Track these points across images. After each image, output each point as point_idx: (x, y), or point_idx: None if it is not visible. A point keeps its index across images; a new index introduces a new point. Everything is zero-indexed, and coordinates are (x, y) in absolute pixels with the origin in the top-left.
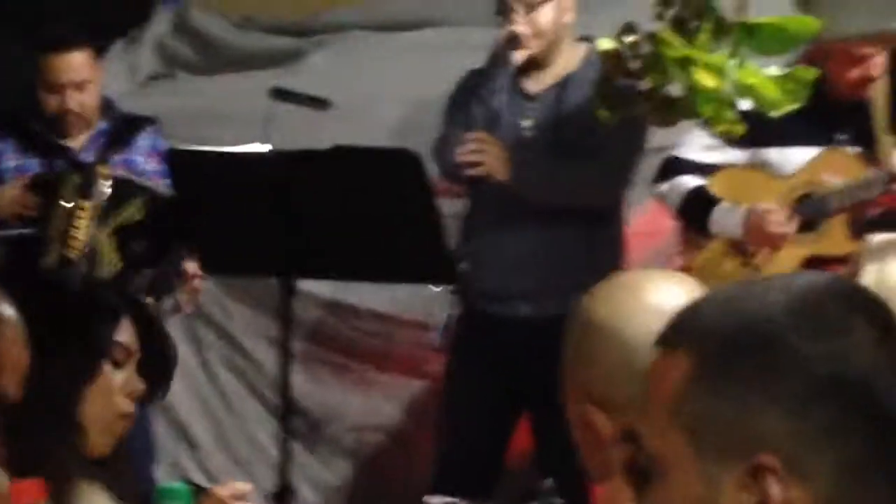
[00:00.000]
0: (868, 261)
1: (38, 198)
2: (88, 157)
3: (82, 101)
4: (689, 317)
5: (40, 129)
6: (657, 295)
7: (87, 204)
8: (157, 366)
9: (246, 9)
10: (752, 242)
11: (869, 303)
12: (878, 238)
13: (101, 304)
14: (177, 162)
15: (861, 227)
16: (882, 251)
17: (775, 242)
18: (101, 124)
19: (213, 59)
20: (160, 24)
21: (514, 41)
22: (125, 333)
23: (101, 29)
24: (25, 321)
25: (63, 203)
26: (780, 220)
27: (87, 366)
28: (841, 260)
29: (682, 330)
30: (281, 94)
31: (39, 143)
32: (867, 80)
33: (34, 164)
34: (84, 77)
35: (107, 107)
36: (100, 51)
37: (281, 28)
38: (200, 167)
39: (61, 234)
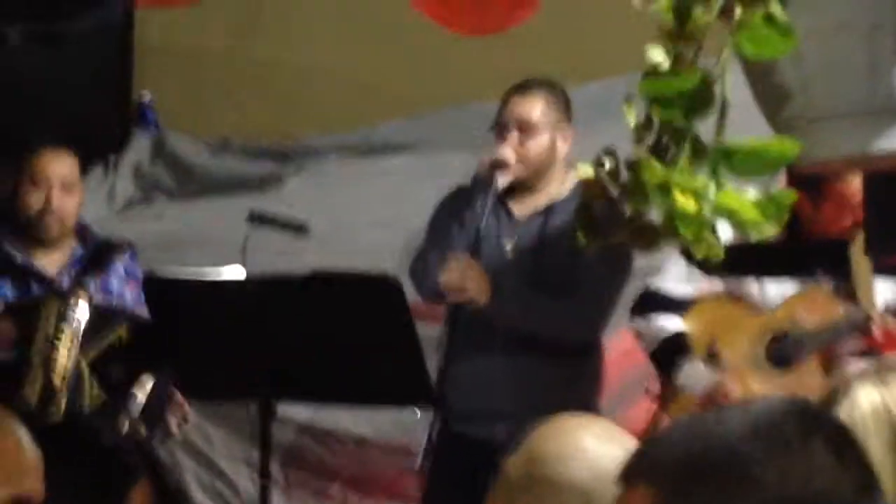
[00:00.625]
0: (843, 394)
1: (16, 325)
2: (63, 281)
3: (65, 204)
4: (649, 451)
5: (15, 252)
6: (593, 442)
7: (68, 330)
8: None
9: (223, 133)
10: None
11: (827, 424)
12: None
13: (121, 464)
14: (154, 288)
15: (831, 362)
16: (881, 370)
17: None
18: (78, 249)
19: (191, 183)
20: (138, 150)
21: (499, 164)
22: (138, 498)
23: (80, 155)
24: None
25: (44, 330)
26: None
27: None
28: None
29: (642, 464)
30: (258, 219)
31: (14, 267)
32: (856, 226)
33: (9, 289)
34: (71, 179)
35: (83, 231)
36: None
37: (259, 152)
38: (178, 293)
39: (43, 362)
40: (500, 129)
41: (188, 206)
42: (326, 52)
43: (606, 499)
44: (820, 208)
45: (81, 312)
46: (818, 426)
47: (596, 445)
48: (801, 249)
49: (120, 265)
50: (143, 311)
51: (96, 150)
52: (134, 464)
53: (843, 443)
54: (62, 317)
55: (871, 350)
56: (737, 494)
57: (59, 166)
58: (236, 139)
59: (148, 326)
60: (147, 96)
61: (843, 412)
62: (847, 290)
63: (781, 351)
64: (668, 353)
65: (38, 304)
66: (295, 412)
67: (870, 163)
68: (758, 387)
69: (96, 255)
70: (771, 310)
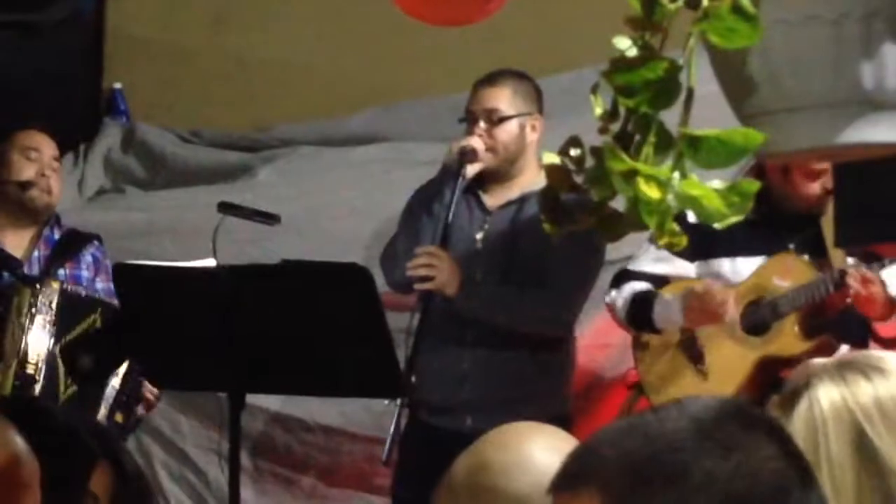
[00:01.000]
0: (829, 377)
1: None
2: (32, 266)
3: (53, 182)
4: (589, 455)
5: None
6: (541, 453)
7: (40, 318)
8: None
9: (194, 123)
10: (694, 323)
11: (760, 418)
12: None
13: (79, 448)
14: (124, 277)
15: (813, 327)
16: (842, 368)
17: (716, 317)
18: (50, 235)
19: (162, 173)
20: (109, 139)
21: (467, 153)
22: (98, 483)
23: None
24: None
25: (16, 318)
26: (712, 290)
27: None
28: (794, 361)
29: (585, 469)
30: (229, 209)
31: None
32: (827, 194)
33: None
34: (57, 159)
35: (55, 219)
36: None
37: (229, 143)
38: (148, 282)
39: (17, 351)
40: (468, 119)
41: (159, 195)
42: (299, 43)
43: None
44: (789, 177)
45: (53, 300)
46: (757, 422)
47: (544, 457)
48: (773, 225)
49: (88, 255)
50: (113, 301)
51: (67, 139)
52: (92, 446)
53: (783, 437)
54: (34, 305)
55: (848, 306)
56: (689, 495)
57: (50, 147)
58: (208, 129)
59: (118, 315)
60: (118, 85)
61: (802, 410)
62: (820, 264)
63: (757, 317)
64: (640, 306)
65: (9, 291)
66: (265, 401)
67: (836, 155)
68: (736, 354)
69: (66, 243)
70: (744, 280)
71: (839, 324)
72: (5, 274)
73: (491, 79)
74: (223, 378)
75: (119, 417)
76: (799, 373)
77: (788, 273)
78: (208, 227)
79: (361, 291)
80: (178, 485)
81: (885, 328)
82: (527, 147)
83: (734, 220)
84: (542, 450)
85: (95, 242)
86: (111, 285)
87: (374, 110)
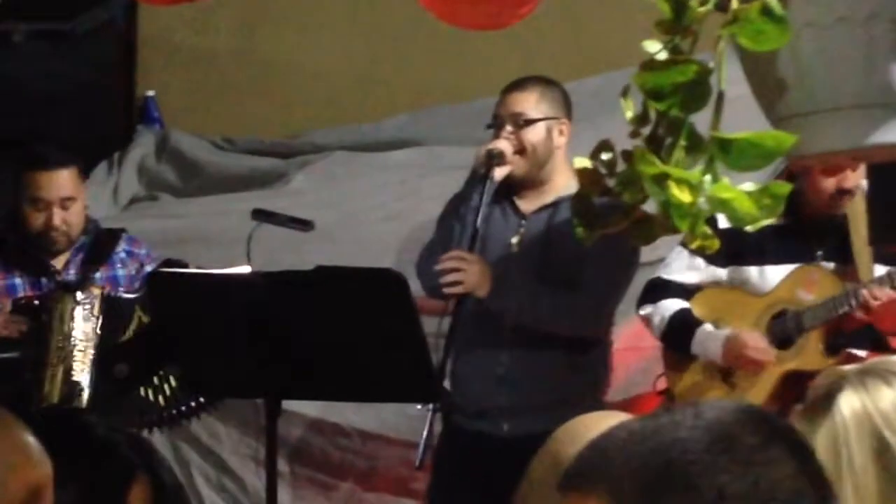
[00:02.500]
0: (850, 384)
1: (27, 321)
2: (70, 274)
3: (67, 218)
4: (599, 456)
5: (26, 247)
6: None
7: (84, 325)
8: None
9: (228, 130)
10: (732, 366)
11: (782, 430)
12: (836, 370)
13: (118, 461)
14: (159, 284)
15: (837, 343)
16: (862, 374)
17: (755, 368)
18: (82, 240)
19: (195, 181)
20: (142, 147)
21: (495, 157)
22: (136, 496)
23: (84, 152)
24: None
25: (59, 326)
26: (758, 347)
27: None
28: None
29: (594, 471)
30: (263, 216)
31: (24, 262)
32: (842, 193)
33: (19, 283)
34: (70, 194)
35: (87, 224)
36: (84, 171)
37: (263, 149)
38: (183, 289)
39: (63, 360)
40: (496, 124)
41: (193, 203)
42: (331, 49)
43: None
44: (807, 174)
45: (95, 305)
46: (776, 434)
47: None
48: (802, 232)
49: (121, 252)
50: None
51: (101, 148)
52: (131, 460)
53: (804, 452)
54: (76, 311)
55: (870, 324)
56: None
57: (56, 187)
58: (241, 136)
59: (154, 323)
60: (151, 93)
61: (825, 419)
62: (848, 272)
63: (782, 330)
64: (678, 329)
65: (51, 299)
66: (302, 407)
67: (867, 156)
68: (762, 368)
69: (96, 245)
70: (770, 291)
71: (860, 336)
72: (44, 280)
73: (518, 84)
74: (259, 384)
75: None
76: (820, 381)
77: (813, 286)
78: (242, 234)
79: (396, 296)
80: (215, 491)
81: None
82: (555, 151)
83: (766, 222)
84: None
85: (123, 236)
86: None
87: (407, 115)
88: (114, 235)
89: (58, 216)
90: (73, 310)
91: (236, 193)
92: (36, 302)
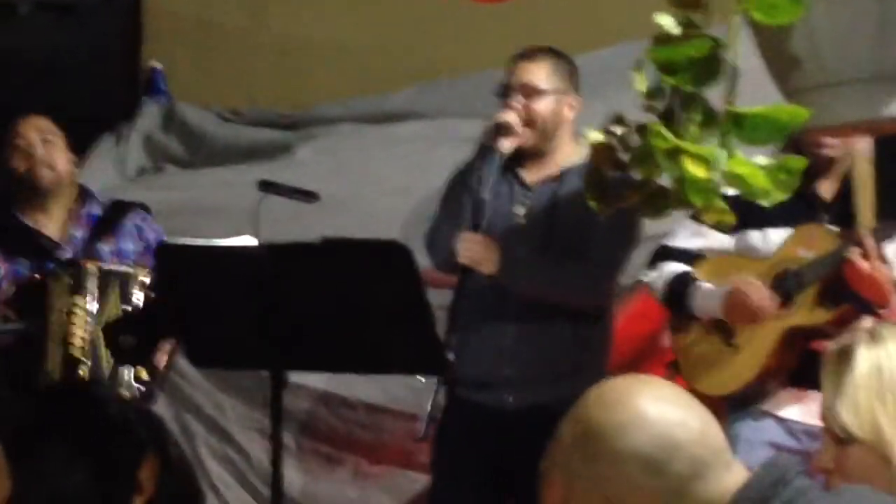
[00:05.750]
0: (864, 343)
1: (27, 298)
2: (71, 247)
3: (49, 153)
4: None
5: (26, 229)
6: (652, 406)
7: (80, 301)
8: None
9: (233, 102)
10: (733, 320)
11: None
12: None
13: (130, 439)
14: (165, 256)
15: (833, 297)
16: (878, 334)
17: (756, 317)
18: (87, 213)
19: (201, 152)
20: (148, 119)
21: (503, 128)
22: (146, 473)
23: (91, 124)
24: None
25: (57, 304)
26: (760, 294)
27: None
28: (820, 332)
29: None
30: (269, 187)
31: (26, 245)
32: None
33: (24, 267)
34: (49, 131)
35: (87, 196)
36: (88, 141)
37: (269, 121)
38: (189, 261)
39: (61, 337)
40: (504, 93)
41: (199, 174)
42: (338, 21)
43: (670, 463)
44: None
45: (92, 282)
46: None
47: (656, 409)
48: (806, 197)
49: (131, 224)
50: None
51: (107, 120)
52: (143, 438)
53: None
54: (74, 288)
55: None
56: None
57: (34, 125)
58: (247, 108)
59: (158, 295)
60: (158, 65)
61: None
62: (848, 235)
63: (783, 289)
64: (679, 289)
65: (50, 278)
66: (307, 380)
67: (879, 128)
68: (763, 327)
69: (107, 218)
70: (773, 253)
71: (858, 294)
72: (48, 262)
73: (529, 54)
74: (264, 356)
75: (143, 373)
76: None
77: (812, 243)
78: (248, 206)
79: (402, 269)
80: (221, 464)
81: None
82: (563, 124)
83: (781, 197)
84: (651, 401)
85: (140, 211)
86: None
87: (414, 88)
88: (127, 208)
89: (39, 147)
90: (70, 287)
91: (242, 165)
92: (36, 281)
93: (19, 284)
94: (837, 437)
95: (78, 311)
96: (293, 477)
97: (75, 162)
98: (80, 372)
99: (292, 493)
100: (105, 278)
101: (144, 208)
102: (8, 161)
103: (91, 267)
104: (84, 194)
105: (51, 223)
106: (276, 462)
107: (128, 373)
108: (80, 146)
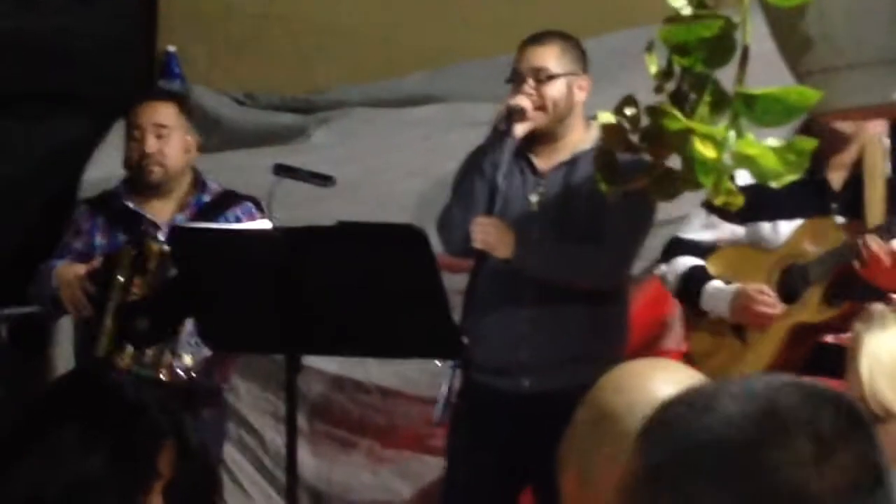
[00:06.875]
0: (865, 330)
1: (97, 284)
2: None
3: (162, 147)
4: (653, 415)
5: (131, 205)
6: (666, 389)
7: (139, 279)
8: (188, 497)
9: (249, 86)
10: (740, 322)
11: (819, 415)
12: (877, 307)
13: (148, 426)
14: (181, 239)
15: (838, 294)
16: (881, 320)
17: (762, 322)
18: (197, 200)
19: (216, 136)
20: None
21: (516, 113)
22: (164, 460)
23: (105, 108)
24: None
25: (119, 279)
26: (766, 301)
27: (131, 494)
28: (827, 327)
29: (642, 428)
30: (284, 171)
31: (128, 220)
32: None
33: (122, 242)
34: (164, 122)
35: (202, 183)
36: (185, 105)
37: (284, 105)
38: (204, 244)
39: (116, 314)
40: (516, 79)
41: (214, 158)
42: (353, 5)
43: None
44: None
45: (152, 260)
46: (805, 418)
47: (668, 391)
48: (816, 185)
49: (232, 216)
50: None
51: (121, 104)
52: (161, 424)
53: (830, 438)
54: (138, 267)
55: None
56: (704, 483)
57: (150, 114)
58: (262, 92)
59: (174, 279)
60: (173, 49)
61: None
62: (857, 227)
63: (788, 284)
64: (690, 285)
65: (119, 253)
66: (321, 363)
67: (892, 112)
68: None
69: (212, 205)
70: (781, 246)
71: (865, 289)
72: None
73: (538, 38)
74: (280, 340)
75: (186, 359)
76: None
77: (820, 238)
78: (263, 190)
79: (417, 252)
80: (235, 447)
81: None
82: (574, 107)
83: (790, 178)
84: (664, 384)
85: (248, 204)
86: None
87: (429, 71)
88: (235, 199)
89: (151, 142)
90: (133, 264)
91: (257, 149)
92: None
93: (106, 257)
94: (875, 416)
95: (135, 288)
96: (307, 460)
97: (195, 147)
98: (125, 351)
99: (306, 477)
100: (165, 260)
101: (256, 203)
102: (125, 147)
103: (153, 246)
104: (199, 182)
105: (160, 209)
106: (291, 446)
107: (170, 356)
108: (94, 131)
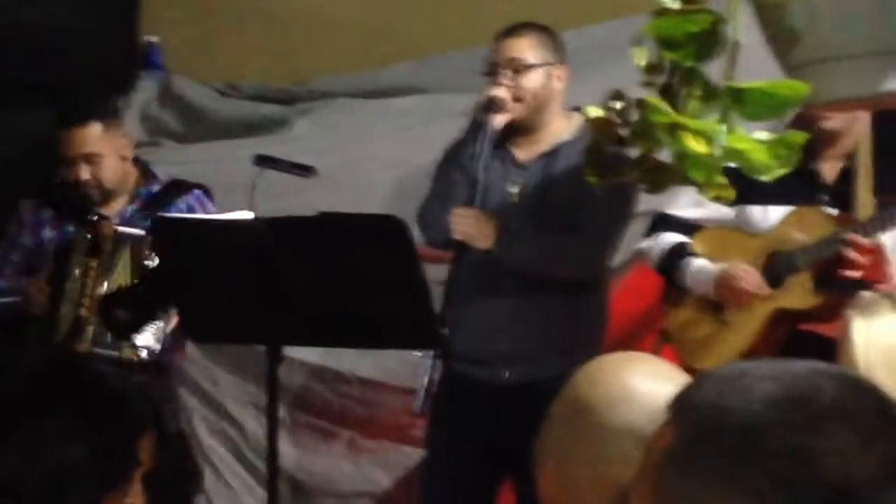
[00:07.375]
0: (859, 317)
1: (56, 265)
2: (123, 218)
3: (96, 173)
4: (687, 390)
5: (77, 198)
6: (643, 382)
7: (95, 262)
8: (168, 485)
9: (231, 76)
10: (722, 300)
11: (859, 405)
12: (867, 295)
13: (129, 414)
14: (162, 229)
15: (825, 283)
16: (871, 308)
17: (745, 300)
18: (147, 189)
19: (198, 127)
20: (145, 93)
21: (493, 105)
22: (144, 449)
23: (87, 98)
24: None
25: (74, 265)
26: (749, 280)
27: (112, 482)
28: (808, 315)
29: (675, 402)
30: (265, 162)
31: (76, 211)
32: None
33: (71, 233)
34: (93, 150)
35: (150, 174)
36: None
37: (266, 96)
38: (185, 234)
39: (76, 295)
40: (492, 71)
41: (195, 149)
42: None
43: None
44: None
45: (106, 244)
46: (846, 407)
47: (646, 385)
48: (807, 174)
49: (182, 204)
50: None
51: (103, 94)
52: (141, 412)
53: (872, 429)
54: (92, 250)
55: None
56: (745, 462)
57: (78, 144)
58: (244, 83)
59: (155, 269)
60: (154, 39)
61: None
62: (847, 218)
63: (773, 270)
64: (673, 261)
65: (74, 240)
66: (302, 354)
67: (880, 103)
68: (753, 305)
69: (161, 194)
70: (768, 231)
71: (850, 281)
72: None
73: (512, 30)
74: (260, 331)
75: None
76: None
77: (808, 227)
78: (245, 180)
79: (398, 243)
80: (215, 438)
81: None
82: (553, 97)
83: (781, 173)
84: (641, 377)
85: (196, 192)
86: None
87: (411, 62)
88: (184, 187)
89: (84, 171)
90: (87, 248)
91: (239, 139)
92: (64, 245)
93: (59, 249)
94: None
95: (91, 272)
96: (287, 451)
97: (131, 146)
98: (86, 332)
99: (287, 467)
100: (117, 240)
101: (205, 190)
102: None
103: (106, 229)
104: (146, 173)
105: (110, 203)
106: (271, 436)
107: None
108: (76, 121)
